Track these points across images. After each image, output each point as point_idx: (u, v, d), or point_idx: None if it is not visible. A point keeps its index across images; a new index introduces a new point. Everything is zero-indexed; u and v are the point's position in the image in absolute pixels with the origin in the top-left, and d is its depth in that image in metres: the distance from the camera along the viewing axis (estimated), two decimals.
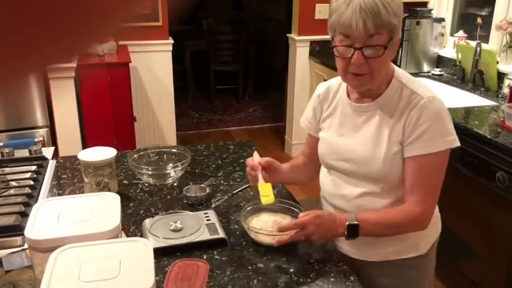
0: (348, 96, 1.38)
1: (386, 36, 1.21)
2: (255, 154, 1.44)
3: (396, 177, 1.30)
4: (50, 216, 1.00)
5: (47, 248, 0.90)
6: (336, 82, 1.43)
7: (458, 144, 1.26)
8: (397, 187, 1.31)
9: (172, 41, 3.75)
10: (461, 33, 3.27)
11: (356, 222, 1.25)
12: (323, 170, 1.50)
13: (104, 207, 1.04)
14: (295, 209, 1.41)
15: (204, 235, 1.33)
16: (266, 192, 1.33)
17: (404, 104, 1.27)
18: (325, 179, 1.47)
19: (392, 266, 1.40)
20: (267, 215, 1.42)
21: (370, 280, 1.40)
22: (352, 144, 1.35)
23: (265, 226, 1.36)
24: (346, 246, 1.44)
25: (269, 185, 1.35)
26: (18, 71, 0.25)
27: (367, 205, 1.34)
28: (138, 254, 0.87)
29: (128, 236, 1.36)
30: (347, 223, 1.25)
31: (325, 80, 3.85)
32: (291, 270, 1.24)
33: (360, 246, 1.39)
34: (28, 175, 1.66)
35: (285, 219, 1.39)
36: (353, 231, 1.26)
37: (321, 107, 1.46)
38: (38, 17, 0.23)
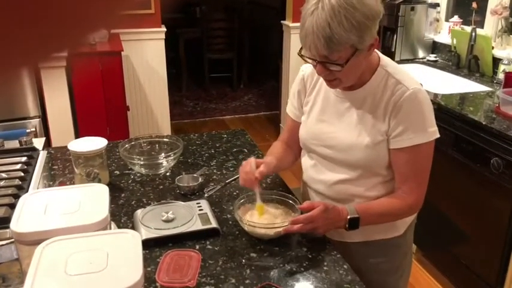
0: None
1: (348, 50, 1.16)
2: (253, 161, 1.37)
3: (378, 165, 1.31)
4: (36, 208, 0.98)
5: (33, 240, 0.88)
6: None
7: (438, 135, 1.29)
8: (374, 175, 1.33)
9: (164, 29, 3.71)
10: (456, 18, 3.24)
11: (357, 216, 1.27)
12: (305, 154, 1.49)
13: (92, 198, 1.02)
14: (289, 200, 1.39)
15: (197, 225, 1.32)
16: (263, 214, 1.36)
17: (389, 95, 1.26)
18: (307, 162, 1.47)
19: (373, 246, 1.42)
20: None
21: (352, 260, 1.37)
22: (334, 132, 1.34)
23: (257, 218, 1.34)
24: None
25: (263, 205, 1.36)
26: (21, 63, 0.25)
27: (344, 191, 1.36)
28: (126, 246, 0.85)
29: (119, 227, 1.34)
30: (348, 217, 1.26)
31: None
32: (283, 259, 1.23)
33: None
34: (18, 166, 1.63)
35: (278, 210, 1.38)
36: (354, 224, 1.28)
37: (305, 89, 1.43)
38: (38, 10, 0.23)
